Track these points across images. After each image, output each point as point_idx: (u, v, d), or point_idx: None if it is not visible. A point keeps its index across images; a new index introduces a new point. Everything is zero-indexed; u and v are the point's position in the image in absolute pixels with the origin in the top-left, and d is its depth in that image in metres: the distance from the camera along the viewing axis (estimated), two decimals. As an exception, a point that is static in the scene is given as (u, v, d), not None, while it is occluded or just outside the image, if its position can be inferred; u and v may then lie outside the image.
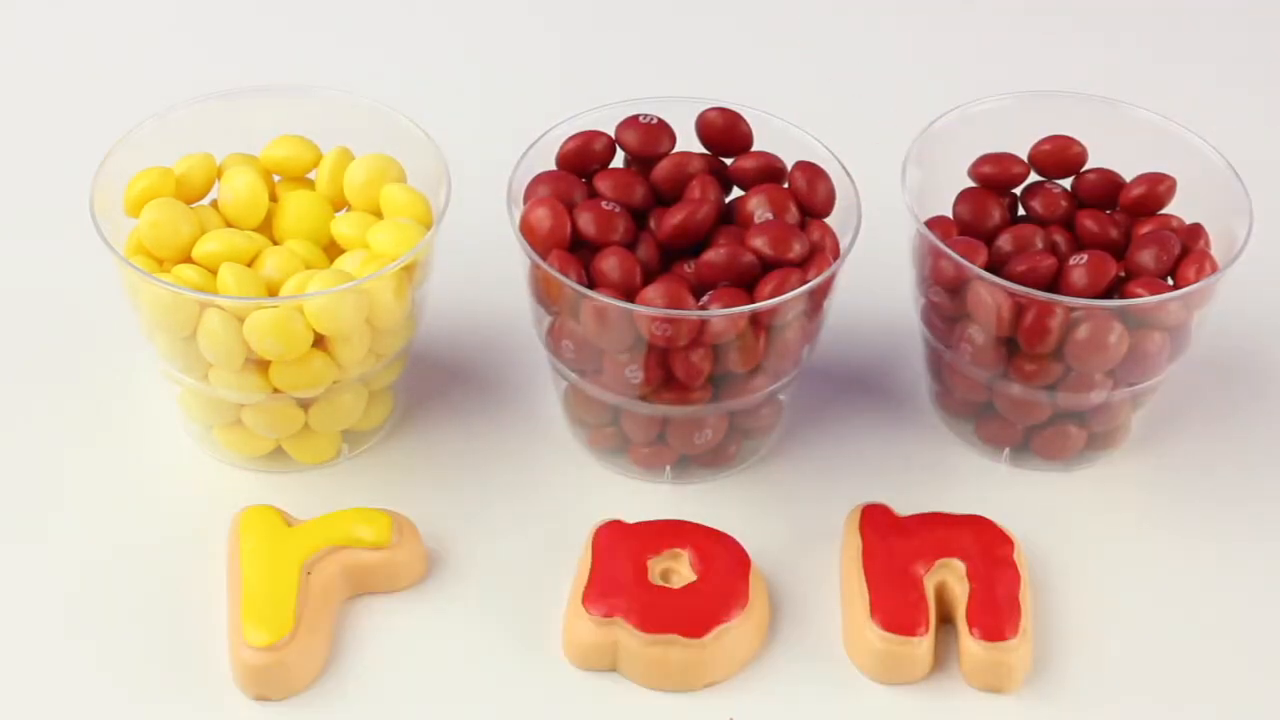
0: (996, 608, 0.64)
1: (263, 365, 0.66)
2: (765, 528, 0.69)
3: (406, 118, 0.71)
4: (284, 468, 0.71)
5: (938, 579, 0.66)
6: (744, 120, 0.71)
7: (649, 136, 0.70)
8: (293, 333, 0.65)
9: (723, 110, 0.71)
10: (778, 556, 0.68)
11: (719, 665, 0.64)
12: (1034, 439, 0.71)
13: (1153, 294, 0.66)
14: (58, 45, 0.92)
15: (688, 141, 0.71)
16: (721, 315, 0.64)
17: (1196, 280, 0.67)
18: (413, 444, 0.72)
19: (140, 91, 0.86)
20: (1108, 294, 0.68)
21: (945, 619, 0.66)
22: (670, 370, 0.66)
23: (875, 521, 0.67)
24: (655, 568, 0.65)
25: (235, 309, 0.65)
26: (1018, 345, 0.68)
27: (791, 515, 0.70)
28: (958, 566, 0.66)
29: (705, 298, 0.66)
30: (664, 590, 0.65)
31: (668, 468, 0.71)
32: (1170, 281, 0.69)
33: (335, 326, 0.65)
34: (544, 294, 0.68)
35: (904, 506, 0.70)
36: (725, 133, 0.71)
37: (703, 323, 0.65)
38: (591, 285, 0.66)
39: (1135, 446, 0.73)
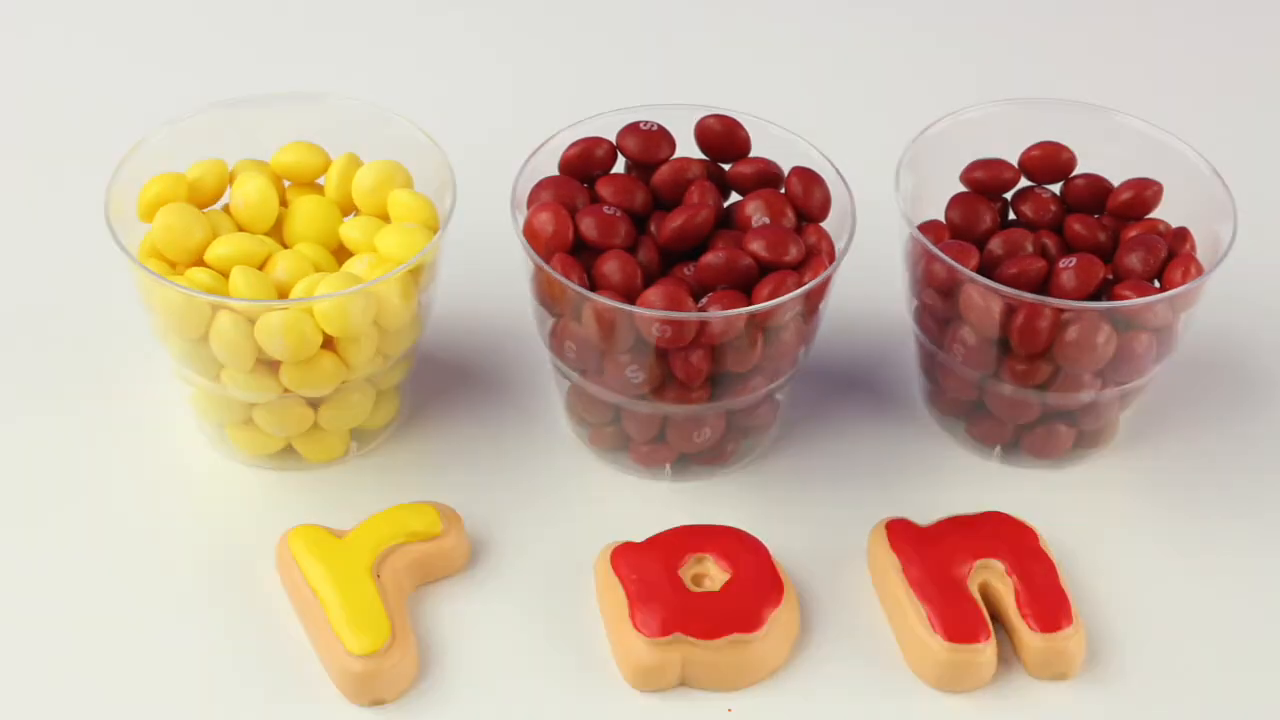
0: (1046, 599, 0.65)
1: (273, 366, 0.67)
2: (763, 524, 0.70)
3: (413, 125, 0.72)
4: (294, 466, 0.72)
5: (980, 580, 0.66)
6: (742, 127, 0.71)
7: (649, 143, 0.71)
8: (302, 334, 0.65)
9: (721, 117, 0.71)
10: (776, 551, 0.68)
11: (777, 652, 0.65)
12: (1024, 437, 0.72)
13: (1140, 296, 0.67)
14: (73, 54, 0.93)
15: (687, 148, 0.72)
16: (720, 317, 0.65)
17: (1183, 283, 0.68)
18: (419, 442, 0.73)
19: (153, 100, 0.87)
20: (1096, 296, 0.68)
21: (992, 617, 0.66)
22: (670, 370, 0.67)
23: (902, 535, 0.67)
24: (686, 577, 0.66)
25: (246, 311, 0.65)
26: (1008, 346, 0.68)
27: (788, 512, 0.71)
28: (996, 566, 0.66)
29: (704, 300, 0.66)
30: (712, 595, 0.65)
31: (668, 466, 0.72)
32: (1157, 284, 0.69)
33: (344, 328, 0.66)
34: (546, 296, 0.68)
35: (898, 503, 0.71)
36: (724, 139, 0.71)
37: (702, 324, 0.65)
38: (593, 288, 0.66)
39: (1123, 444, 0.74)
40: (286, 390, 0.68)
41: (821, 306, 0.69)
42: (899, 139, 0.72)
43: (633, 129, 0.71)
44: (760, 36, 0.96)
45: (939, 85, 0.92)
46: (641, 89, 0.84)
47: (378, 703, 0.64)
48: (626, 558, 0.66)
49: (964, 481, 0.72)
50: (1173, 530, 0.71)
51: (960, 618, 0.64)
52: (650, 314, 0.65)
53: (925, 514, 0.70)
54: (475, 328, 0.78)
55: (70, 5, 0.95)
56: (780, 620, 0.65)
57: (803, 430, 0.74)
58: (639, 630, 0.64)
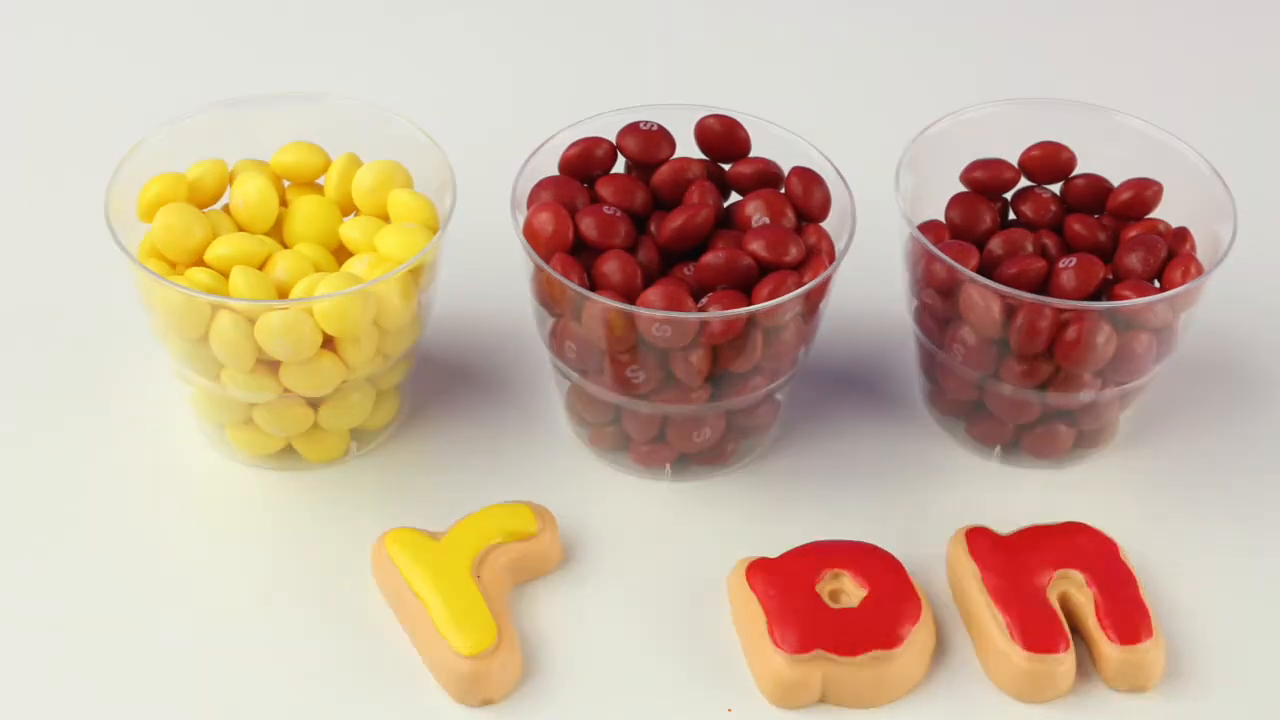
0: (1126, 611, 0.65)
1: (273, 366, 0.67)
2: (763, 524, 0.70)
3: (413, 124, 0.72)
4: (294, 466, 0.72)
5: (1059, 591, 0.66)
6: (742, 127, 0.72)
7: (649, 143, 0.71)
8: (302, 334, 0.65)
9: (721, 117, 0.71)
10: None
11: (917, 669, 0.65)
12: (1024, 437, 0.72)
13: (1140, 296, 0.67)
14: (73, 54, 0.93)
15: (687, 148, 0.72)
16: (720, 317, 0.65)
17: (1182, 283, 0.68)
18: (419, 442, 0.73)
19: (153, 100, 0.87)
20: (1096, 296, 0.68)
21: (1073, 628, 0.66)
22: (670, 370, 0.67)
23: (982, 544, 0.67)
24: (824, 593, 0.66)
25: (246, 311, 0.65)
26: (1008, 346, 0.68)
27: (788, 512, 0.71)
28: (1076, 576, 0.66)
29: (704, 300, 0.66)
30: (850, 612, 0.65)
31: (668, 466, 0.72)
32: (1157, 284, 0.70)
33: (344, 328, 0.66)
34: (547, 296, 0.68)
35: (898, 503, 0.71)
36: (724, 139, 0.71)
37: (702, 324, 0.65)
38: (593, 288, 0.67)
39: (1123, 444, 0.74)
40: (286, 390, 0.68)
41: (821, 306, 0.69)
42: (899, 139, 0.73)
43: (633, 129, 0.71)
44: (760, 36, 0.96)
45: (939, 85, 0.92)
46: (641, 89, 0.85)
47: (487, 702, 0.64)
48: (762, 574, 0.66)
49: (964, 481, 0.73)
50: (1173, 530, 0.71)
51: (1040, 627, 0.64)
52: (650, 314, 0.65)
53: (925, 514, 0.71)
54: (475, 328, 0.78)
55: (70, 5, 0.96)
56: (919, 637, 0.65)
57: (803, 430, 0.75)
58: (778, 646, 0.64)
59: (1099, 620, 0.65)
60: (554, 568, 0.68)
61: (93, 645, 0.66)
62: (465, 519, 0.67)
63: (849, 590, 0.66)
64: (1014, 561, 0.67)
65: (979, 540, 0.68)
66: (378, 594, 0.67)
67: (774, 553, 0.68)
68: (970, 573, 0.67)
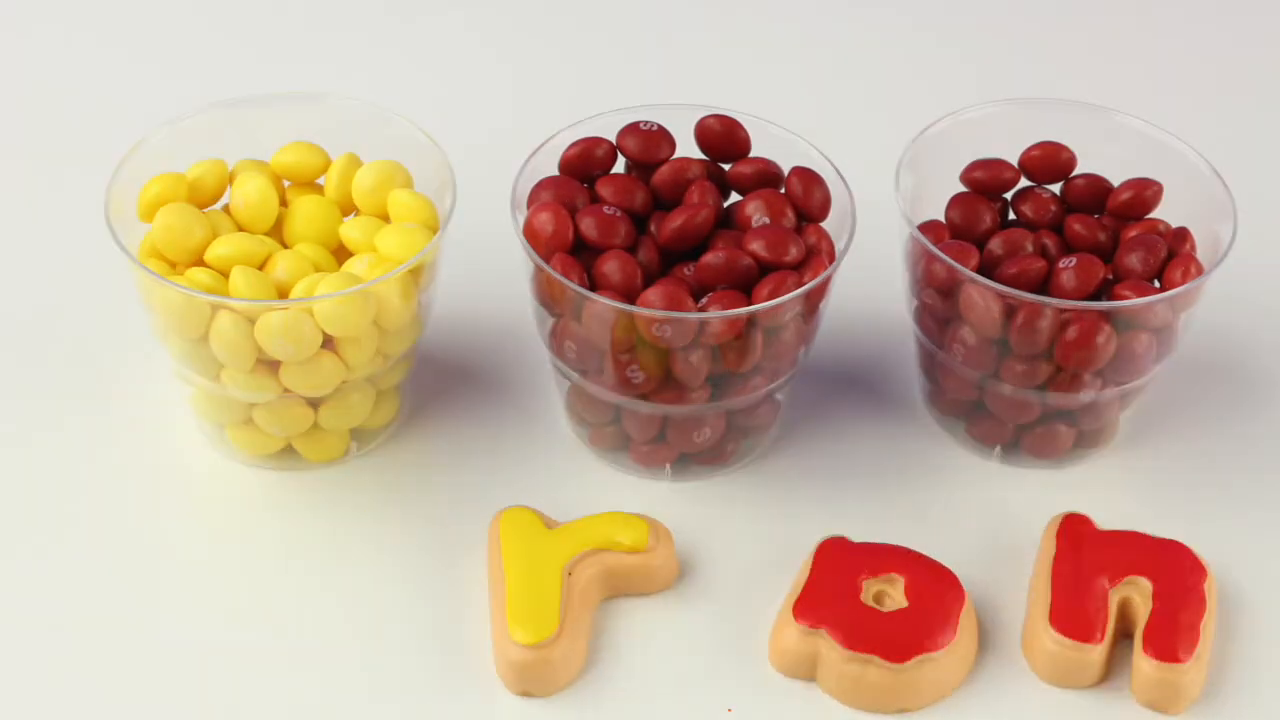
0: (1175, 630, 0.64)
1: (273, 366, 0.67)
2: (763, 524, 0.70)
3: (413, 125, 0.72)
4: (294, 466, 0.72)
5: (1123, 594, 0.66)
6: (742, 127, 0.72)
7: (649, 143, 0.71)
8: (302, 334, 0.65)
9: (721, 117, 0.72)
10: (776, 551, 0.69)
11: (917, 693, 0.64)
12: (1024, 437, 0.72)
13: (1140, 296, 0.67)
14: (73, 54, 0.93)
15: (687, 148, 0.72)
16: (720, 317, 0.65)
17: (1182, 283, 0.68)
18: (419, 442, 0.73)
19: (153, 100, 0.87)
20: (1096, 296, 0.68)
21: (1126, 634, 0.66)
22: (670, 370, 0.67)
23: (1072, 531, 0.68)
24: (869, 589, 0.66)
25: (246, 311, 0.65)
26: (1008, 346, 0.68)
27: (788, 512, 0.71)
28: (1144, 585, 0.66)
29: (704, 300, 0.66)
30: (872, 611, 0.65)
31: (668, 466, 0.72)
32: (1157, 284, 0.70)
33: (344, 328, 0.66)
34: (546, 296, 0.68)
35: (898, 503, 0.71)
36: (724, 139, 0.71)
37: (702, 324, 0.65)
38: (593, 288, 0.67)
39: (1123, 444, 0.74)
40: (286, 390, 0.68)
41: (821, 306, 0.69)
42: (899, 139, 0.73)
43: (633, 129, 0.71)
44: (760, 36, 0.96)
45: (939, 85, 0.92)
46: (641, 89, 0.85)
47: (526, 694, 0.64)
48: (830, 551, 0.67)
49: (964, 481, 0.73)
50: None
51: (1079, 615, 0.65)
52: (650, 314, 0.65)
53: (925, 514, 0.71)
54: (475, 328, 0.78)
55: (70, 5, 0.96)
56: (934, 665, 0.64)
57: (803, 430, 0.75)
58: (795, 615, 0.64)
59: (1145, 632, 0.65)
60: (663, 587, 0.67)
61: (93, 645, 0.66)
62: (585, 517, 0.68)
63: (894, 596, 0.66)
64: (1091, 555, 0.67)
65: (1069, 527, 0.68)
66: (377, 594, 0.67)
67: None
68: (1048, 553, 0.67)
